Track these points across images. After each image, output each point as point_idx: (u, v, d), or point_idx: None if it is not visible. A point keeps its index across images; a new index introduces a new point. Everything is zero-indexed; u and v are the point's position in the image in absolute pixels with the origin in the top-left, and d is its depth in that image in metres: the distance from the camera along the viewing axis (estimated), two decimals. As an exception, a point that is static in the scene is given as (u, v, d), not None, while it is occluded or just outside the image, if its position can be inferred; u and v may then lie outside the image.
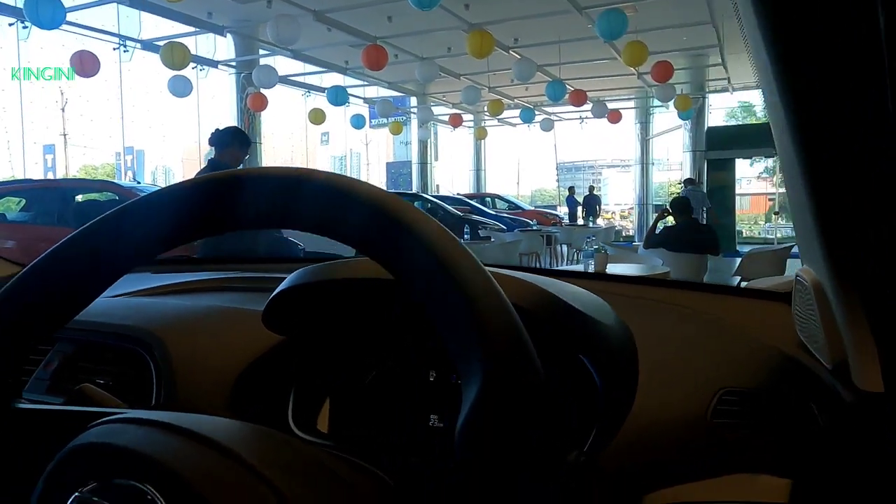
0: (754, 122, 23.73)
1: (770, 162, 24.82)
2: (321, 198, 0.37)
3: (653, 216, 16.16)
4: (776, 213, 18.87)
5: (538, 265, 8.69)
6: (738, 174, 21.66)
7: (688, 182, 13.16)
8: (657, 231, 5.85)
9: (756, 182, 27.36)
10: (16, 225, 7.36)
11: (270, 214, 0.38)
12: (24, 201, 8.30)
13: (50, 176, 19.36)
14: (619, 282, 0.91)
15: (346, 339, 0.64)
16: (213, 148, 3.81)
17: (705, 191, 14.26)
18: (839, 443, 0.49)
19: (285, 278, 0.60)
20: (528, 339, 0.32)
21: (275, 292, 0.58)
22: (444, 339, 0.33)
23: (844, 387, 0.51)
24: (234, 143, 3.81)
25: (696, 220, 6.31)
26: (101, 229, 0.42)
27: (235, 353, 0.64)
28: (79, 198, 7.75)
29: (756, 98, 23.02)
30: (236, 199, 0.39)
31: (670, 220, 5.90)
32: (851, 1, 0.37)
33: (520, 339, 0.32)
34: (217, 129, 3.88)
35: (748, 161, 20.26)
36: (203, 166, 3.83)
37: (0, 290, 0.41)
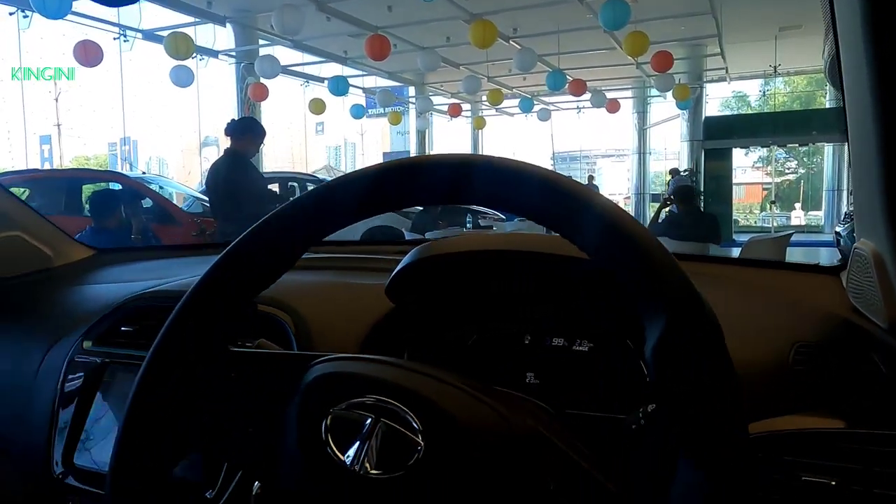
0: (750, 111, 23.81)
1: (765, 151, 24.95)
2: (493, 176, 0.45)
3: (650, 206, 16.27)
4: (772, 203, 18.99)
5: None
6: (734, 163, 21.74)
7: (672, 172, 13.25)
8: (660, 220, 5.95)
9: (751, 171, 27.44)
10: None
11: (448, 193, 0.46)
12: (28, 191, 8.33)
13: (47, 166, 19.29)
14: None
15: (452, 306, 0.73)
16: (228, 137, 3.88)
17: (702, 180, 14.38)
18: None
19: (381, 258, 0.68)
20: (696, 289, 0.41)
21: (398, 268, 0.67)
22: (629, 292, 0.41)
23: (890, 338, 0.60)
24: (250, 132, 3.89)
25: (699, 209, 6.41)
26: (295, 211, 0.49)
27: (356, 320, 0.73)
28: (87, 187, 7.80)
29: (752, 88, 23.08)
30: (417, 181, 0.47)
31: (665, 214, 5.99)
32: None
33: (692, 288, 0.41)
34: (233, 120, 3.95)
35: (743, 150, 20.34)
36: (220, 155, 3.89)
37: (220, 255, 0.49)
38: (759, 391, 0.59)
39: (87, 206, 6.93)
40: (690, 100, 13.70)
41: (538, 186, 0.43)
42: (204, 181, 5.85)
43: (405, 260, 0.67)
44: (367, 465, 0.41)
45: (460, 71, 13.32)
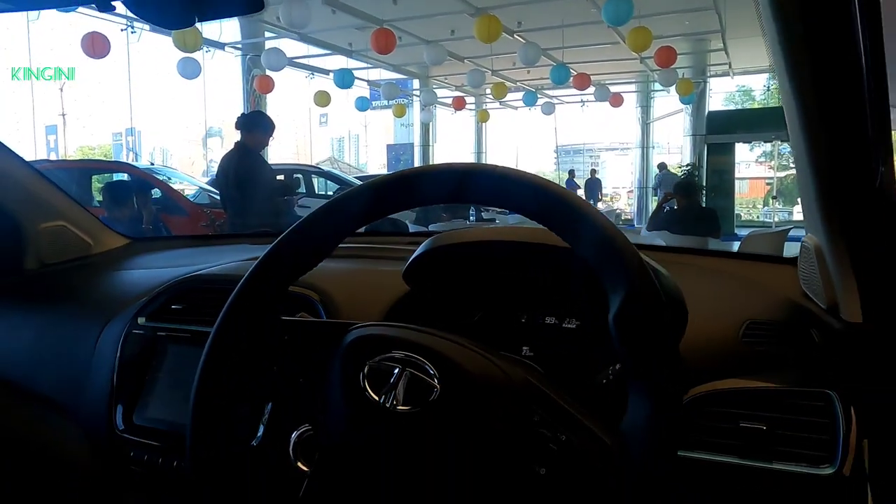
0: (755, 106, 23.79)
1: (768, 146, 24.94)
2: (493, 182, 0.56)
3: (653, 199, 16.34)
4: (774, 198, 19.02)
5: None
6: (737, 158, 21.70)
7: (661, 167, 13.31)
8: (661, 214, 6.05)
9: (755, 166, 27.41)
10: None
11: (455, 194, 0.57)
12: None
13: (53, 156, 19.40)
14: (650, 250, 1.11)
15: (461, 289, 0.84)
16: (238, 131, 3.99)
17: (705, 174, 14.46)
18: (831, 355, 0.69)
19: (391, 247, 0.79)
20: (648, 271, 0.52)
21: (414, 255, 0.79)
22: (598, 273, 0.53)
23: (836, 319, 0.71)
24: (260, 126, 3.99)
25: (699, 204, 6.50)
26: (334, 207, 0.61)
27: (376, 300, 0.84)
28: (97, 178, 7.91)
29: (755, 82, 23.08)
30: (429, 186, 0.58)
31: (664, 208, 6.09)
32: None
33: (644, 269, 0.52)
34: (243, 114, 4.05)
35: (747, 145, 20.33)
36: (231, 149, 4.00)
37: (272, 245, 0.61)
38: (713, 358, 0.70)
39: (97, 197, 7.06)
40: (694, 94, 13.75)
41: (531, 189, 0.54)
42: (208, 172, 5.96)
43: (420, 249, 0.79)
44: (396, 402, 0.52)
45: (465, 64, 13.39)
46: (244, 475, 0.64)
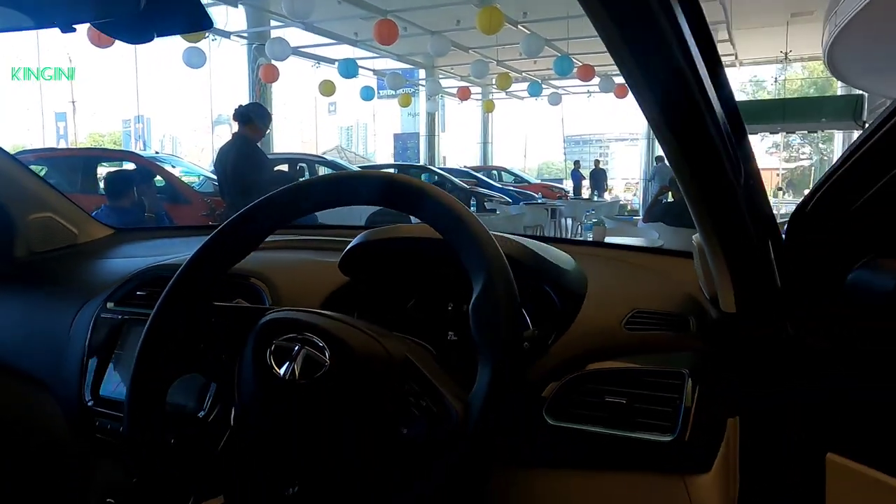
0: (765, 96, 23.64)
1: (778, 137, 24.77)
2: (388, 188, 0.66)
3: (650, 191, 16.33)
4: (779, 189, 18.97)
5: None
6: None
7: (657, 159, 13.29)
8: (657, 206, 6.11)
9: (766, 157, 27.22)
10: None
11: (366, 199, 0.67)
12: (45, 169, 8.59)
13: (62, 143, 19.58)
14: (582, 245, 1.20)
15: (393, 278, 0.93)
16: (236, 123, 4.09)
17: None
18: (707, 341, 0.78)
19: (336, 240, 0.88)
20: (504, 256, 0.61)
21: (348, 247, 0.88)
22: (463, 261, 0.62)
23: (716, 309, 0.80)
24: (256, 118, 4.08)
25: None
26: (267, 203, 0.70)
27: (317, 289, 0.93)
28: (103, 166, 8.03)
29: (766, 73, 22.92)
30: (350, 190, 0.68)
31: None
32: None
33: (502, 257, 0.61)
34: (241, 106, 4.14)
35: (758, 136, 20.21)
36: (229, 139, 4.10)
37: (207, 238, 0.70)
38: (598, 341, 0.79)
39: (102, 187, 7.18)
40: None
41: (414, 192, 0.64)
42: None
43: (352, 242, 0.88)
44: (294, 375, 0.62)
45: (470, 54, 13.42)
46: (185, 446, 0.74)
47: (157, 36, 0.86)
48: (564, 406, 0.75)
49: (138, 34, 0.86)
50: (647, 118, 0.62)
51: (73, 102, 22.95)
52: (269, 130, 4.35)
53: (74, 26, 0.82)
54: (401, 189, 0.67)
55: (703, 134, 0.62)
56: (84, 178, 7.80)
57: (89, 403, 0.96)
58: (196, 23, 0.82)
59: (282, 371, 0.62)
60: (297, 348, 0.62)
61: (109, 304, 1.03)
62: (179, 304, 0.71)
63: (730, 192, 0.68)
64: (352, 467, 0.62)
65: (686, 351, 0.77)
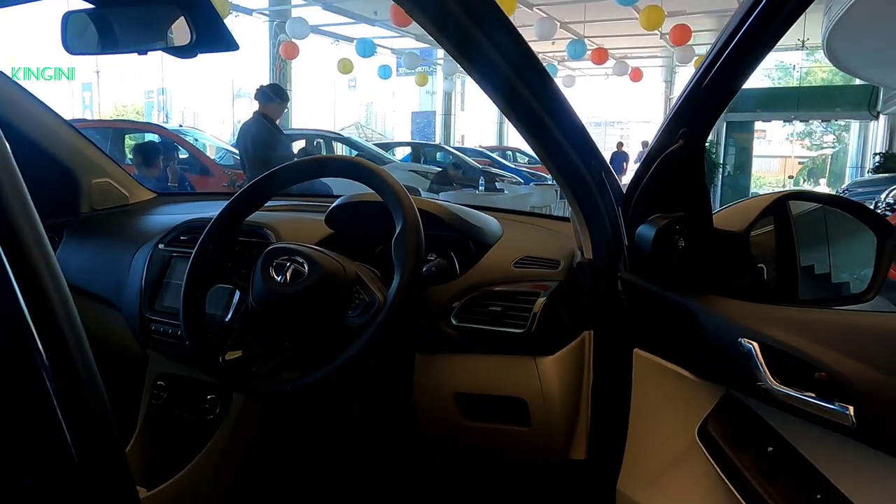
0: (792, 84, 23.39)
1: (802, 125, 24.47)
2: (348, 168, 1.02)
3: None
4: (790, 177, 18.93)
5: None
6: (769, 136, 21.43)
7: (644, 143, 13.40)
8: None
9: (786, 145, 26.90)
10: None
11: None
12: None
13: (87, 113, 20.04)
14: (511, 213, 1.54)
15: (366, 230, 1.29)
16: (257, 101, 4.45)
17: (722, 152, 14.57)
18: (568, 275, 1.13)
19: (324, 203, 1.25)
20: (416, 210, 0.97)
21: (333, 206, 1.24)
22: (392, 213, 0.98)
23: (581, 256, 1.14)
24: (276, 98, 4.45)
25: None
26: (278, 174, 1.07)
27: (309, 236, 1.28)
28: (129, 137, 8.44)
29: (792, 58, 22.65)
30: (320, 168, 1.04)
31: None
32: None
33: (414, 210, 0.97)
34: (261, 86, 4.50)
35: (779, 123, 20.11)
36: (250, 117, 4.47)
37: (230, 200, 1.07)
38: (494, 273, 1.14)
39: (129, 155, 7.59)
40: (713, 72, 13.76)
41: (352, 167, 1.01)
42: (235, 132, 6.42)
43: (336, 202, 1.24)
44: (286, 280, 0.98)
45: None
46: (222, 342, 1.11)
47: (201, 53, 1.22)
48: (464, 313, 1.11)
49: (188, 53, 1.21)
50: (499, 109, 0.94)
51: (98, 72, 23.44)
52: (288, 106, 4.69)
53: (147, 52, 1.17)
54: (343, 165, 1.05)
55: (545, 127, 0.94)
56: (112, 148, 8.23)
57: (147, 315, 1.33)
58: (229, 45, 1.17)
59: (279, 278, 0.99)
60: (288, 265, 0.99)
61: (161, 246, 1.40)
62: (213, 241, 1.09)
63: (579, 174, 1.02)
64: (321, 335, 1.00)
65: (549, 280, 1.12)
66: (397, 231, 0.98)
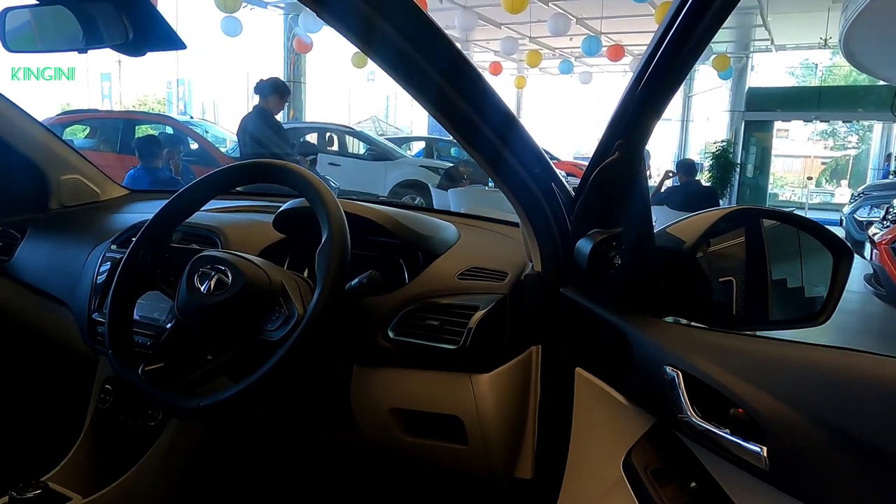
0: (816, 83, 22.90)
1: (826, 126, 23.87)
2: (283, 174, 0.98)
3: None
4: (809, 178, 18.59)
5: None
6: (791, 136, 21.07)
7: None
8: (662, 190, 6.31)
9: (809, 145, 26.37)
10: (82, 151, 8.22)
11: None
12: (88, 129, 9.12)
13: (107, 104, 20.25)
14: (470, 218, 1.49)
15: (309, 233, 1.25)
16: (257, 95, 4.44)
17: (739, 151, 14.37)
18: (515, 288, 1.08)
19: (275, 206, 1.22)
20: (344, 220, 0.94)
21: (279, 211, 1.20)
22: (319, 219, 0.95)
23: (531, 268, 1.09)
24: (275, 92, 4.43)
25: (699, 182, 6.71)
26: (211, 178, 1.04)
27: (258, 241, 1.26)
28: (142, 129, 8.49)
29: (819, 57, 22.16)
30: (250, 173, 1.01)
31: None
32: None
33: (342, 220, 0.93)
34: (261, 80, 4.48)
35: (801, 122, 19.71)
36: (250, 111, 4.46)
37: (165, 203, 1.04)
38: (435, 285, 1.09)
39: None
40: (731, 69, 13.56)
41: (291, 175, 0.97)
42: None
43: (283, 207, 1.21)
44: (210, 290, 0.95)
45: (502, 30, 13.48)
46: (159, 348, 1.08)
47: (148, 52, 1.19)
48: (402, 326, 1.06)
49: (133, 52, 1.18)
50: (431, 115, 0.90)
51: (120, 62, 23.63)
52: (302, 99, 4.67)
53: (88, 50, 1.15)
54: (270, 169, 1.02)
55: (479, 132, 0.90)
56: (123, 138, 8.29)
57: (94, 316, 1.31)
58: (174, 44, 1.14)
59: (202, 288, 0.96)
60: (213, 274, 0.96)
61: (113, 246, 1.38)
62: (145, 246, 1.06)
63: (524, 183, 0.97)
64: (242, 348, 0.98)
65: (492, 293, 1.07)
66: (322, 241, 0.94)
